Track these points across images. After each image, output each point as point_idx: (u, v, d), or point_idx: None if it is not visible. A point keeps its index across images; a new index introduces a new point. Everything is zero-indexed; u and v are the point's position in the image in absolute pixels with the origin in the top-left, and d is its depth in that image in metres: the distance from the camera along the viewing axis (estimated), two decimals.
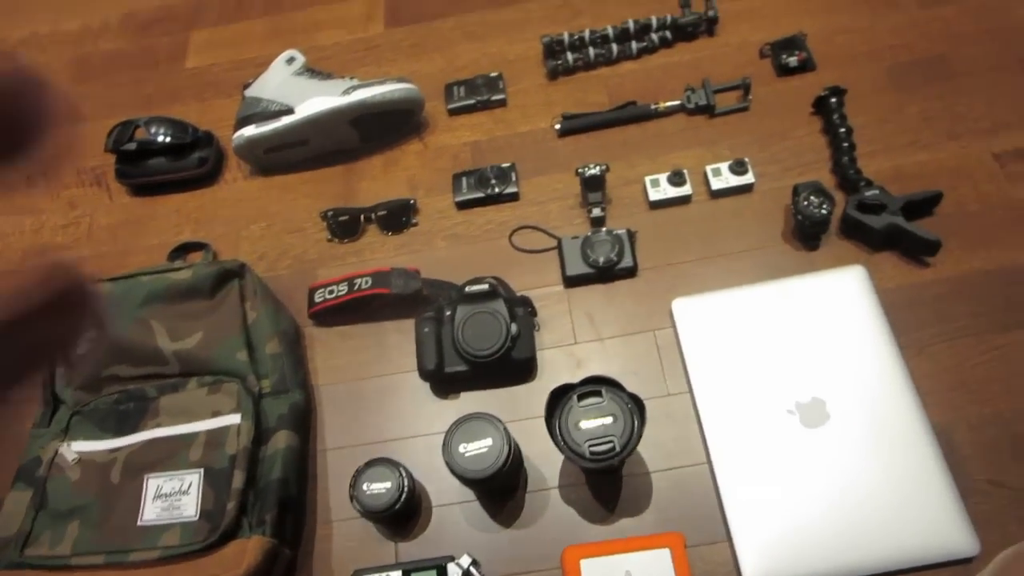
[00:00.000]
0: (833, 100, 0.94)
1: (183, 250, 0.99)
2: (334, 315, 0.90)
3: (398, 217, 0.96)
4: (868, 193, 0.86)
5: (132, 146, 1.03)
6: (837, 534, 0.71)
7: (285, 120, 0.98)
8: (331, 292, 0.88)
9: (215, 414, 0.79)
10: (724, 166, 0.91)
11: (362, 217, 0.96)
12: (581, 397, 0.67)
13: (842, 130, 0.92)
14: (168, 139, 1.03)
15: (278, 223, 1.00)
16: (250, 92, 1.02)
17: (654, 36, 1.04)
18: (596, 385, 0.67)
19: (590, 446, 0.65)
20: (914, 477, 0.72)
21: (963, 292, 0.83)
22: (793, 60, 0.99)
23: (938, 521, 0.71)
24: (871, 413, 0.75)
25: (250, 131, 0.99)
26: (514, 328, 0.78)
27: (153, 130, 1.03)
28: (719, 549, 0.73)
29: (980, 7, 1.01)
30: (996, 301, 0.82)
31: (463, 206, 0.96)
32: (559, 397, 0.67)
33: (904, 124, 0.94)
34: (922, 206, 0.86)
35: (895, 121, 0.94)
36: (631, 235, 0.87)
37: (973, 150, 0.91)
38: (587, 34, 1.04)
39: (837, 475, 0.73)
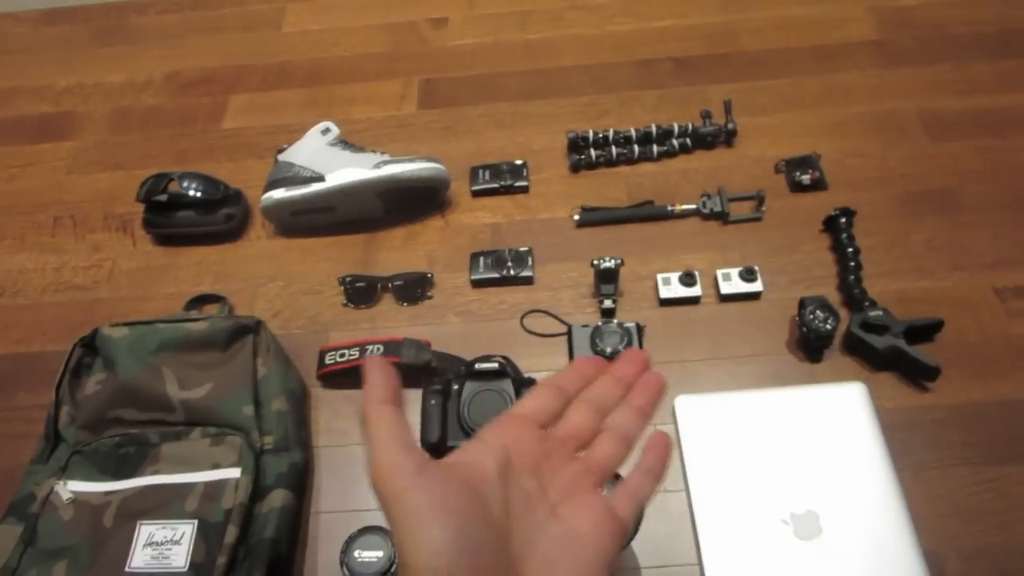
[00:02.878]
0: (843, 220, 0.98)
1: (200, 301, 1.01)
2: (342, 378, 0.91)
3: (414, 289, 0.98)
4: (872, 313, 0.88)
5: (163, 198, 1.07)
6: None
7: (315, 187, 1.02)
8: (342, 355, 0.89)
9: (215, 466, 0.79)
10: (734, 272, 0.95)
11: (379, 285, 0.99)
12: None
13: (850, 250, 0.95)
14: (199, 194, 1.06)
15: (296, 283, 1.03)
16: (283, 157, 1.07)
17: (675, 142, 1.09)
18: None
19: None
20: None
21: (960, 420, 0.84)
22: (806, 178, 1.04)
23: None
24: (864, 532, 0.76)
25: (280, 193, 1.03)
26: None
27: (185, 184, 1.07)
28: None
29: (987, 147, 1.07)
30: (993, 433, 0.83)
31: (478, 284, 0.99)
32: None
33: (910, 250, 0.98)
34: (924, 331, 0.89)
35: (902, 246, 0.98)
36: (640, 329, 0.90)
37: (975, 283, 0.94)
38: (611, 133, 1.09)
39: None
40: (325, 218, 1.06)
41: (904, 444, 0.82)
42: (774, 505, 0.77)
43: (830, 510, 0.77)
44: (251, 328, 0.89)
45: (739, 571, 0.74)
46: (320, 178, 1.03)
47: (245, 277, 1.05)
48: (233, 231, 1.09)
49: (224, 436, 0.81)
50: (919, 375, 0.87)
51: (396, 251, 1.04)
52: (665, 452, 0.42)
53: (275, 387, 0.85)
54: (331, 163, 1.03)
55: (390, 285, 0.99)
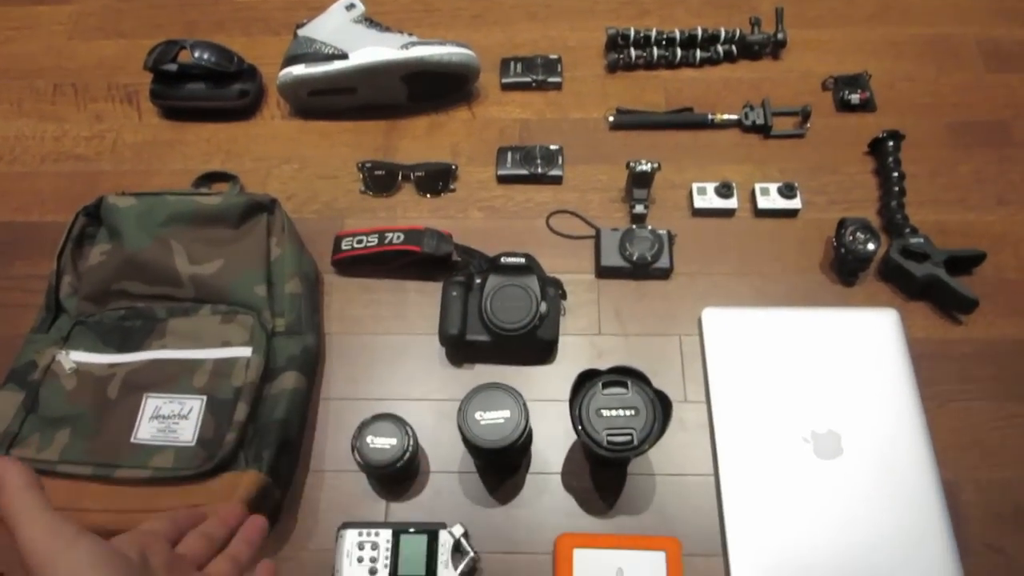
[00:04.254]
0: (890, 144, 0.93)
1: (209, 179, 0.96)
2: (357, 266, 0.88)
3: (436, 180, 0.94)
4: (913, 240, 0.85)
5: (173, 67, 1.01)
6: (831, 569, 0.70)
7: (337, 64, 0.96)
8: (359, 242, 0.86)
9: (225, 344, 0.76)
10: (773, 187, 0.90)
11: (400, 174, 0.94)
12: (606, 385, 0.65)
13: (895, 174, 0.91)
14: (212, 65, 1.00)
15: (311, 167, 0.98)
16: (304, 32, 1.00)
17: (720, 48, 1.03)
18: (624, 376, 0.66)
19: (608, 435, 0.64)
20: (916, 527, 0.72)
21: (990, 355, 0.82)
22: (855, 97, 0.98)
23: (931, 573, 0.70)
24: (884, 456, 0.74)
25: (299, 70, 0.97)
26: (543, 307, 0.77)
27: (198, 54, 1.00)
28: (712, 563, 0.71)
29: None
30: (1021, 371, 0.81)
31: (504, 180, 0.94)
32: (584, 381, 0.66)
33: (956, 181, 0.93)
34: (964, 263, 0.86)
35: (947, 176, 0.94)
36: (671, 237, 0.86)
37: (1021, 219, 0.91)
38: (653, 33, 1.03)
39: (841, 510, 0.72)
40: (345, 100, 1.00)
41: (932, 374, 0.80)
42: (796, 423, 0.76)
43: (852, 432, 0.75)
44: (265, 206, 0.85)
45: (755, 484, 0.73)
46: (343, 56, 0.96)
47: (258, 157, 1.00)
48: (246, 108, 1.03)
49: (235, 314, 0.78)
50: (954, 307, 0.84)
51: (419, 140, 0.99)
52: (259, 533, 0.47)
53: (289, 268, 0.82)
54: (355, 41, 0.97)
55: (412, 175, 0.94)
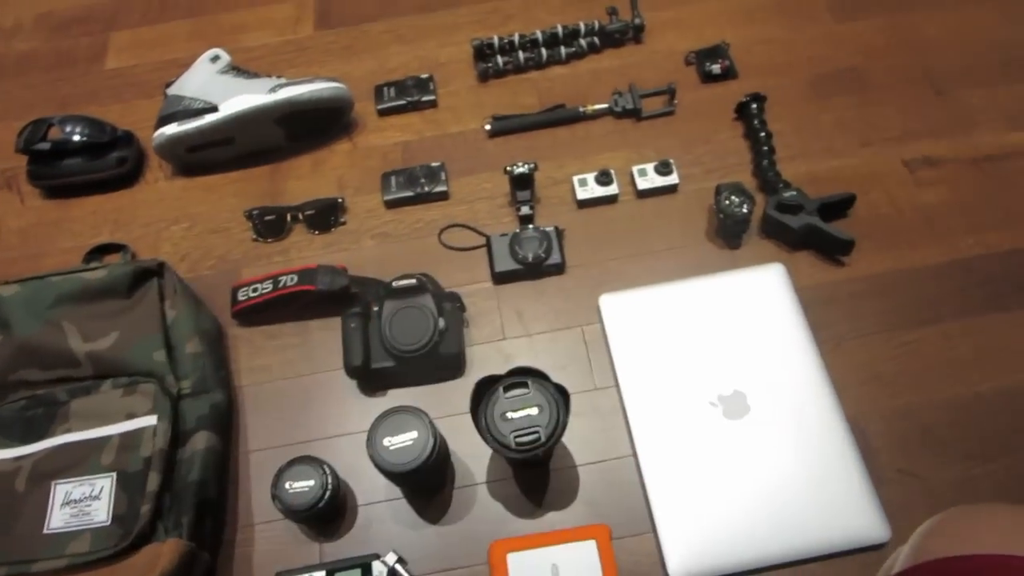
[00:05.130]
0: (754, 106, 0.97)
1: (100, 252, 0.95)
2: (258, 314, 0.88)
3: (326, 216, 0.94)
4: (786, 194, 0.89)
5: (45, 146, 0.99)
6: (756, 523, 0.72)
7: (208, 118, 0.96)
8: (255, 290, 0.86)
9: (129, 416, 0.75)
10: (650, 167, 0.93)
11: (288, 216, 0.94)
12: (507, 388, 0.67)
13: (762, 134, 0.95)
14: (84, 138, 0.99)
15: (201, 223, 0.98)
16: (172, 90, 1.00)
17: (583, 41, 1.06)
18: (522, 376, 0.67)
19: (515, 437, 0.65)
20: (830, 468, 0.75)
21: (875, 291, 0.86)
22: (716, 68, 1.02)
23: (852, 510, 0.73)
24: (789, 405, 0.77)
25: (172, 129, 0.97)
26: (442, 323, 0.78)
27: (68, 128, 0.99)
28: (644, 540, 0.73)
29: (892, 24, 1.07)
30: (906, 299, 0.85)
31: (392, 205, 0.95)
32: (485, 388, 0.67)
33: (820, 131, 0.98)
34: (837, 208, 0.90)
35: (811, 128, 0.98)
36: (559, 232, 0.88)
37: (884, 157, 0.95)
38: (517, 38, 1.05)
39: (757, 466, 0.75)
40: (224, 152, 1.00)
41: (823, 318, 0.83)
42: (702, 390, 0.78)
43: (756, 389, 0.78)
44: (154, 271, 0.85)
45: (673, 456, 0.75)
46: (213, 108, 0.96)
47: (146, 222, 0.99)
48: (127, 175, 1.02)
49: (137, 384, 0.77)
50: (834, 250, 0.88)
51: (304, 179, 1.00)
52: None
53: (186, 329, 0.81)
54: (224, 91, 0.97)
55: (300, 215, 0.94)
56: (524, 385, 0.67)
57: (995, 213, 0.90)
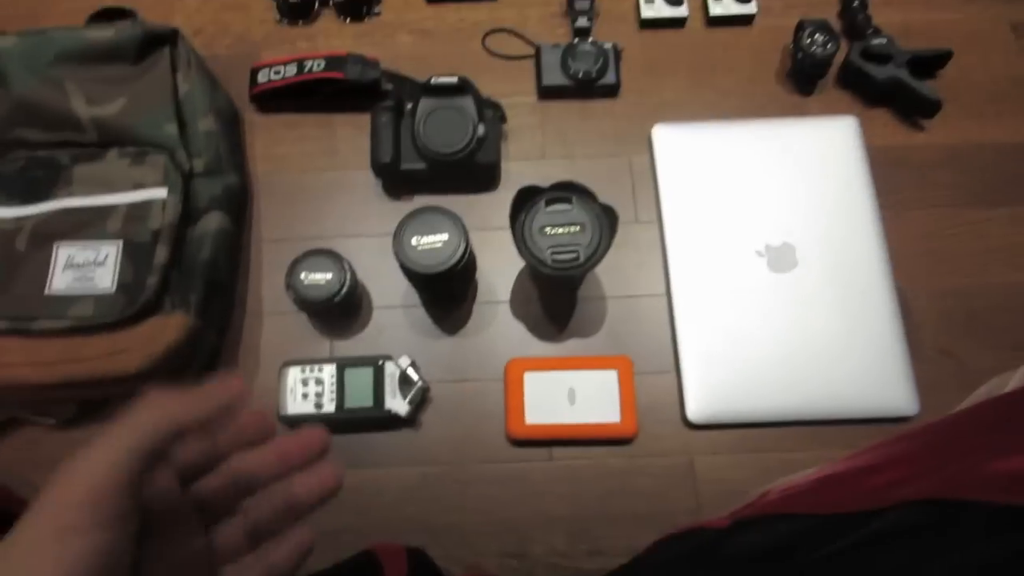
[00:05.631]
0: None
1: (105, 16, 0.86)
2: (279, 100, 0.80)
3: (359, 3, 0.85)
4: (875, 41, 0.80)
5: None
6: (784, 378, 0.70)
7: None
8: (277, 73, 0.78)
9: (137, 186, 0.70)
10: None
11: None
12: (549, 202, 0.61)
13: None
14: None
15: None
16: None
17: None
18: (567, 192, 0.62)
19: (553, 253, 0.60)
20: (870, 334, 0.71)
21: (951, 161, 0.79)
22: None
23: (884, 379, 0.70)
24: (839, 266, 0.73)
25: None
26: (481, 129, 0.71)
27: None
28: (666, 380, 0.71)
29: None
30: (982, 176, 0.79)
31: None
32: (526, 198, 0.61)
33: None
34: (929, 64, 0.81)
35: None
36: (617, 51, 0.80)
37: (991, 15, 0.85)
38: None
39: (794, 322, 0.71)
40: None
41: (891, 182, 0.77)
42: (750, 237, 0.73)
43: (807, 243, 0.73)
44: (166, 38, 0.76)
45: (708, 301, 0.71)
46: None
47: None
48: None
49: (145, 155, 0.71)
50: (917, 111, 0.80)
51: None
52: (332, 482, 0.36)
53: (200, 105, 0.74)
54: None
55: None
56: (568, 201, 0.61)
57: None
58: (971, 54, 0.83)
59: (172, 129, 0.73)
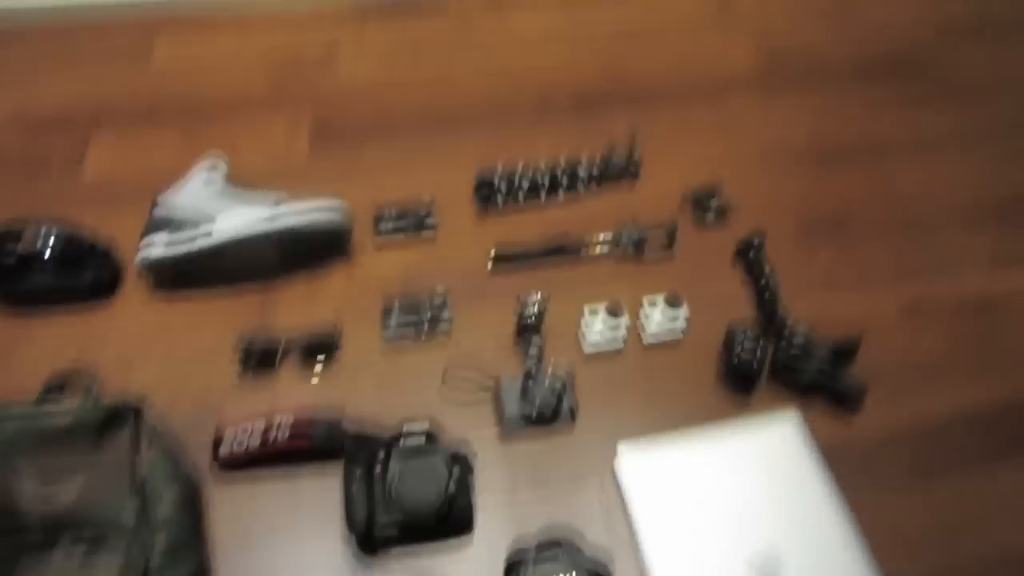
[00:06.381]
0: (752, 248, 0.98)
1: (61, 382, 0.86)
2: (241, 468, 0.80)
3: (321, 349, 0.89)
4: (796, 339, 0.88)
5: (11, 260, 0.92)
6: None
7: (202, 237, 0.91)
8: (239, 444, 0.78)
9: None
10: (658, 307, 0.92)
11: (281, 348, 0.89)
12: (538, 562, 0.61)
13: (763, 276, 0.96)
14: (57, 251, 0.92)
15: (181, 351, 0.91)
16: (164, 201, 0.95)
17: (583, 177, 1.06)
18: (552, 548, 0.62)
19: None
20: None
21: (889, 440, 0.85)
22: (713, 208, 1.04)
23: None
24: (822, 565, 0.74)
25: (159, 246, 0.92)
26: (452, 486, 0.72)
27: (40, 240, 0.92)
28: None
29: (872, 173, 1.12)
30: (920, 449, 0.85)
31: (392, 338, 0.91)
32: (513, 567, 0.61)
33: (817, 274, 1.00)
34: (845, 352, 0.90)
35: (808, 271, 1.00)
36: (570, 377, 0.85)
37: (880, 301, 0.97)
38: (519, 170, 1.05)
39: None
40: (213, 272, 0.94)
41: (842, 470, 0.81)
42: (731, 548, 0.74)
43: (788, 548, 0.75)
44: (127, 415, 0.76)
45: None
46: (208, 226, 0.91)
47: (118, 348, 0.91)
48: (101, 293, 0.95)
49: (101, 546, 0.68)
50: (846, 397, 0.87)
51: (297, 306, 0.94)
52: None
53: (161, 482, 0.73)
54: (220, 207, 0.93)
55: (293, 347, 0.89)
56: (556, 559, 0.62)
57: (991, 357, 0.92)
58: (875, 336, 0.92)
59: (131, 513, 0.71)
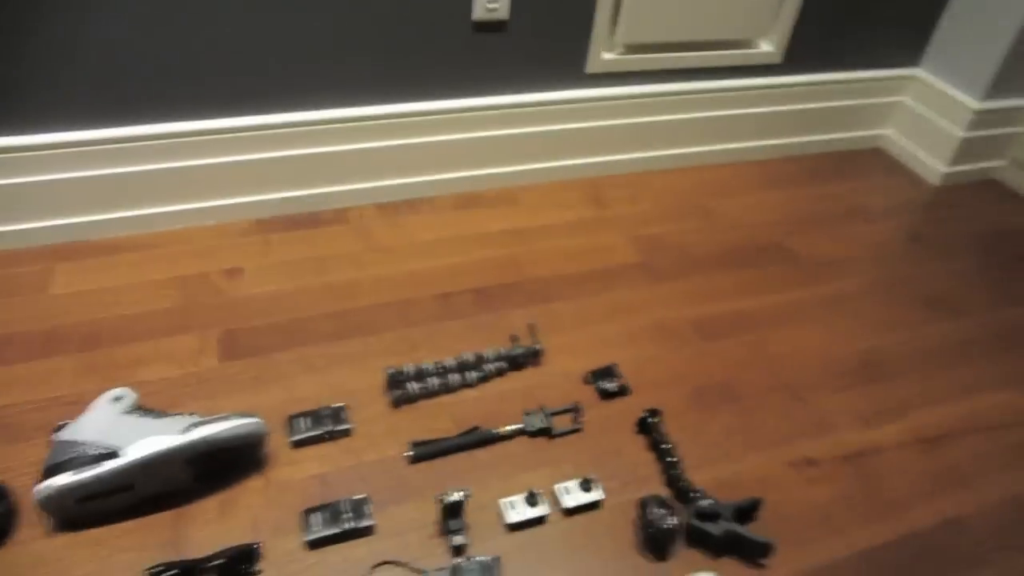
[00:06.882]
0: (651, 420, 1.06)
1: None
2: None
3: (240, 566, 0.87)
4: (703, 503, 0.95)
5: None
6: None
7: (110, 465, 0.90)
8: None
9: None
10: (572, 484, 0.97)
11: (197, 570, 0.86)
12: None
13: (665, 446, 1.03)
14: None
15: None
16: (63, 435, 0.94)
17: (490, 366, 1.14)
18: None
19: None
20: None
21: None
22: (611, 386, 1.13)
23: None
24: None
25: (64, 479, 0.89)
26: None
27: None
28: None
29: (746, 342, 1.25)
30: None
31: (315, 545, 0.90)
32: None
33: (712, 439, 1.08)
34: (748, 511, 0.96)
35: (704, 437, 1.08)
36: (496, 562, 0.87)
37: (771, 460, 1.06)
38: (428, 365, 1.11)
39: None
40: (121, 500, 0.92)
41: None
42: None
43: None
44: None
45: None
46: (114, 453, 0.91)
47: None
48: None
49: None
50: (755, 554, 0.92)
51: (213, 524, 0.93)
52: None
53: None
54: (129, 434, 0.92)
55: (210, 566, 0.86)
56: None
57: (878, 500, 1.01)
58: (772, 492, 1.01)
59: None
